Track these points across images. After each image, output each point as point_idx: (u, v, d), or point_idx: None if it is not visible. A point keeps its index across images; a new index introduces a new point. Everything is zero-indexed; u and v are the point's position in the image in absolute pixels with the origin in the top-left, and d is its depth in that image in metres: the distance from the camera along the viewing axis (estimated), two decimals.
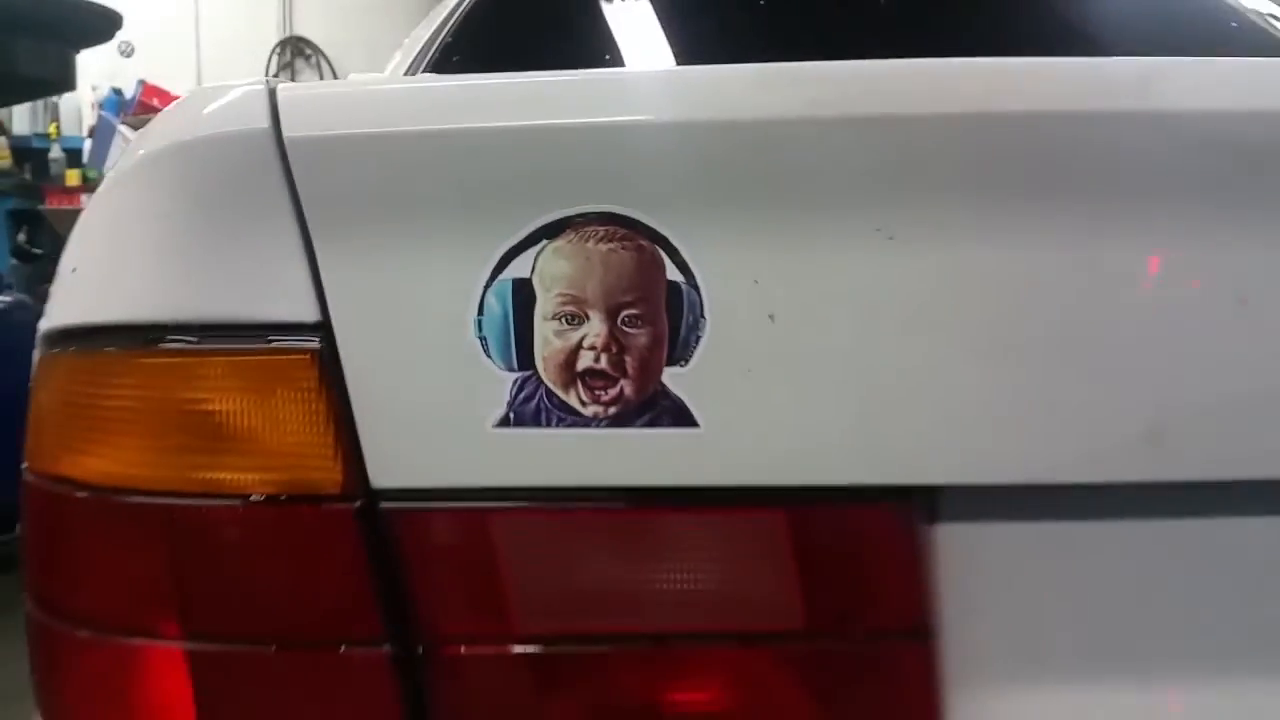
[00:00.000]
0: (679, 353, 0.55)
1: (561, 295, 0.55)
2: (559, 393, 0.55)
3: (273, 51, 7.15)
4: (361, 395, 0.55)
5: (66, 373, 0.59)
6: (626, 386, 0.55)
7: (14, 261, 5.05)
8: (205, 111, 0.58)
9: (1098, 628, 0.61)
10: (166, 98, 6.15)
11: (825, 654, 0.60)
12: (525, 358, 0.55)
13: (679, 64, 1.17)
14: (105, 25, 2.90)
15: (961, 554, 0.59)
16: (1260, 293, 0.56)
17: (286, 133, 0.55)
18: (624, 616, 0.58)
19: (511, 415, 0.55)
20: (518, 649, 0.58)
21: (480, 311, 0.55)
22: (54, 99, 5.71)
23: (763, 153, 0.56)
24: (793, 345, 0.55)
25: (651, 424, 0.55)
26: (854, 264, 0.56)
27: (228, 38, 6.96)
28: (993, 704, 0.60)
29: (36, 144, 5.90)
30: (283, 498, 0.56)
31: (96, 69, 5.71)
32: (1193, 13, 1.40)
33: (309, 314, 0.55)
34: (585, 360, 0.55)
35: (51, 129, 5.99)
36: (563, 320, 0.55)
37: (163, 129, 0.59)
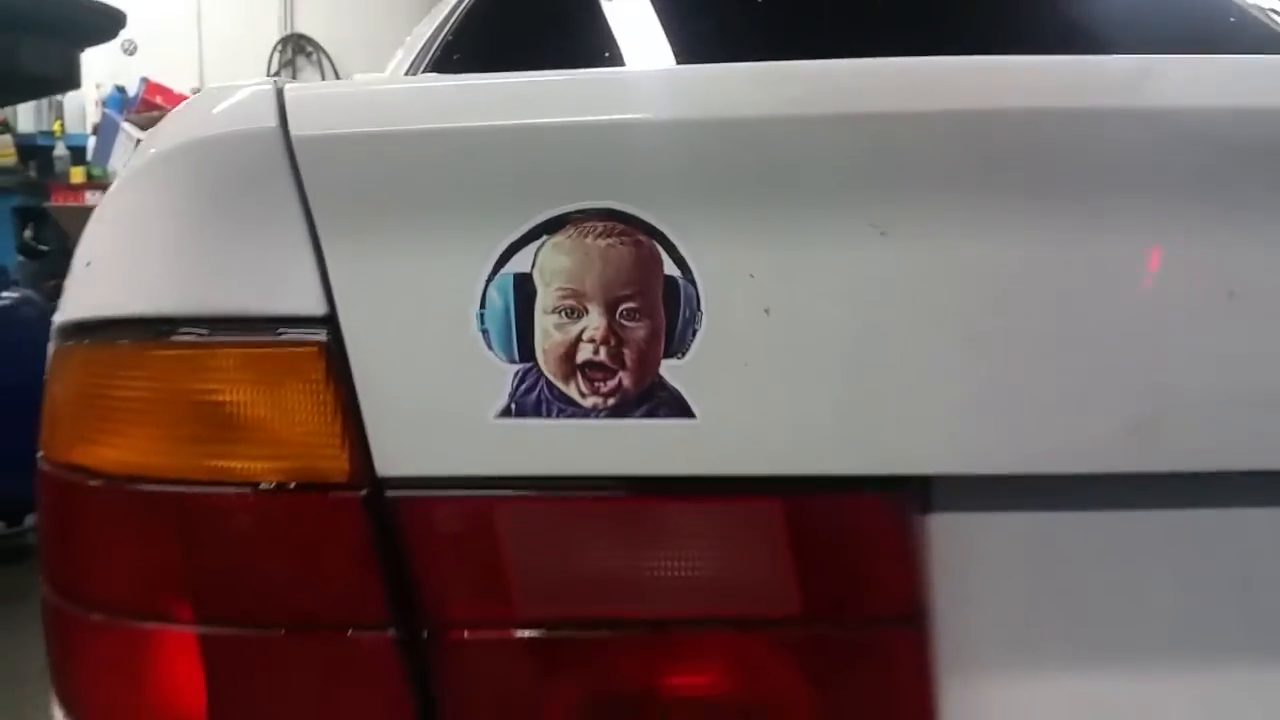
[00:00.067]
0: (676, 345, 0.56)
1: (561, 289, 0.55)
2: (559, 384, 0.56)
3: (274, 49, 7.14)
4: (367, 386, 0.56)
5: (81, 364, 0.60)
6: (625, 378, 0.56)
7: (20, 258, 5.04)
8: (215, 111, 0.59)
9: (1089, 616, 0.61)
10: (169, 95, 6.15)
11: (820, 640, 0.60)
12: (526, 350, 0.56)
13: (677, 62, 1.17)
14: (109, 24, 2.89)
15: (954, 543, 0.60)
16: (1249, 287, 0.56)
17: (294, 131, 0.55)
18: (623, 602, 0.59)
19: (513, 406, 0.56)
20: (520, 633, 0.58)
21: (482, 305, 0.55)
22: (58, 97, 5.70)
23: (758, 150, 0.56)
24: (788, 338, 0.56)
25: (649, 415, 0.56)
26: (848, 259, 0.56)
27: (230, 35, 6.96)
28: (985, 691, 0.60)
29: (41, 142, 5.89)
30: (291, 486, 0.57)
31: (100, 67, 5.71)
32: (1193, 9, 1.40)
33: (316, 308, 0.56)
34: (585, 353, 0.56)
35: (56, 127, 5.98)
36: (562, 314, 0.56)
37: (174, 128, 0.60)
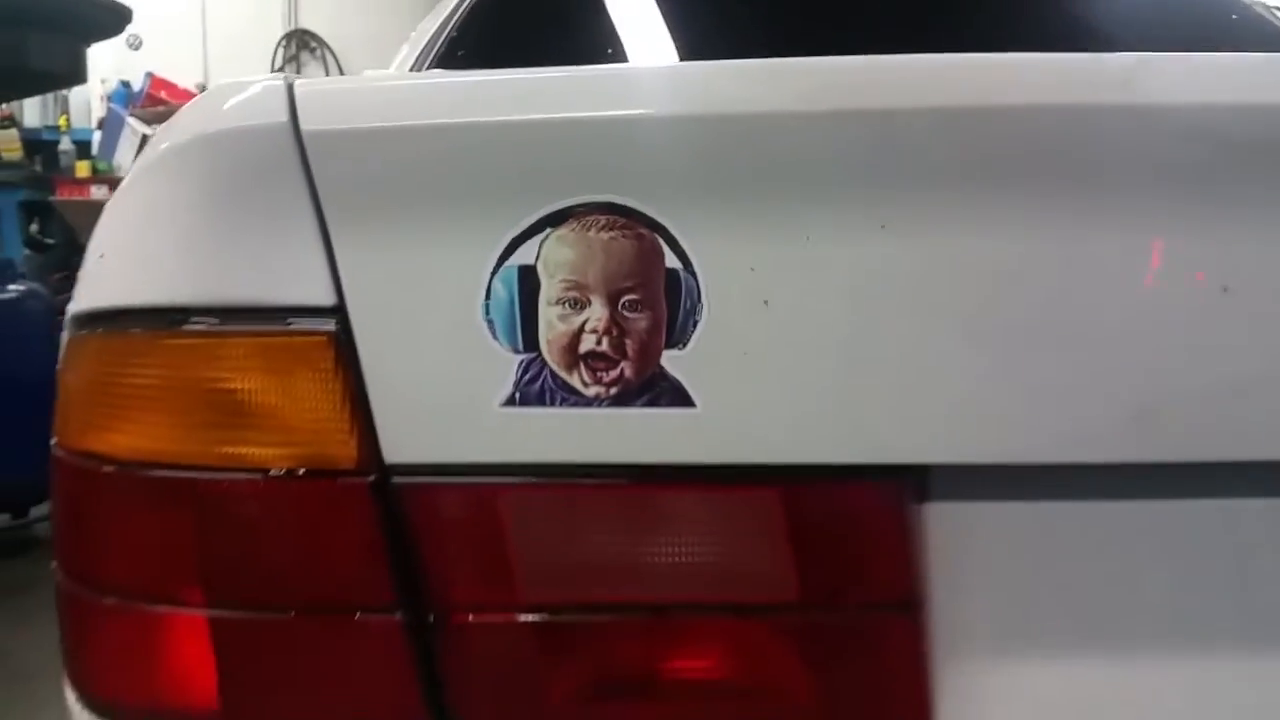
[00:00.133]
0: (677, 336, 0.56)
1: (564, 281, 0.56)
2: (562, 374, 0.56)
3: (278, 44, 7.14)
4: (375, 375, 0.57)
5: (94, 353, 0.61)
6: (627, 368, 0.57)
7: (27, 251, 5.05)
8: (226, 106, 0.59)
9: (1084, 605, 0.62)
10: (174, 90, 6.15)
11: (817, 626, 0.61)
12: (530, 340, 0.56)
13: (679, 58, 1.18)
14: (115, 19, 2.88)
15: (951, 531, 0.60)
16: (1243, 281, 0.57)
17: (304, 126, 0.56)
18: (624, 587, 0.59)
19: (517, 395, 0.57)
20: (523, 617, 0.59)
21: (487, 296, 0.56)
22: (64, 92, 5.70)
23: (758, 145, 0.57)
24: (787, 329, 0.57)
25: (651, 404, 0.57)
26: (847, 252, 0.57)
27: (234, 31, 6.96)
28: (980, 677, 0.61)
29: (47, 136, 5.89)
30: (300, 472, 0.57)
31: (105, 62, 5.72)
32: (1195, 6, 1.40)
33: (325, 298, 0.57)
34: (587, 343, 0.56)
35: (61, 121, 5.98)
36: (566, 305, 0.56)
37: (186, 122, 0.61)
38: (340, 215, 0.57)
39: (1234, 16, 1.37)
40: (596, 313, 0.56)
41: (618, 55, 1.19)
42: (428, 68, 1.19)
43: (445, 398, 0.57)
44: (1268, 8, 1.37)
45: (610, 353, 0.57)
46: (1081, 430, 0.58)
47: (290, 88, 0.58)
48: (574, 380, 0.57)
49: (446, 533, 0.59)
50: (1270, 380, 0.58)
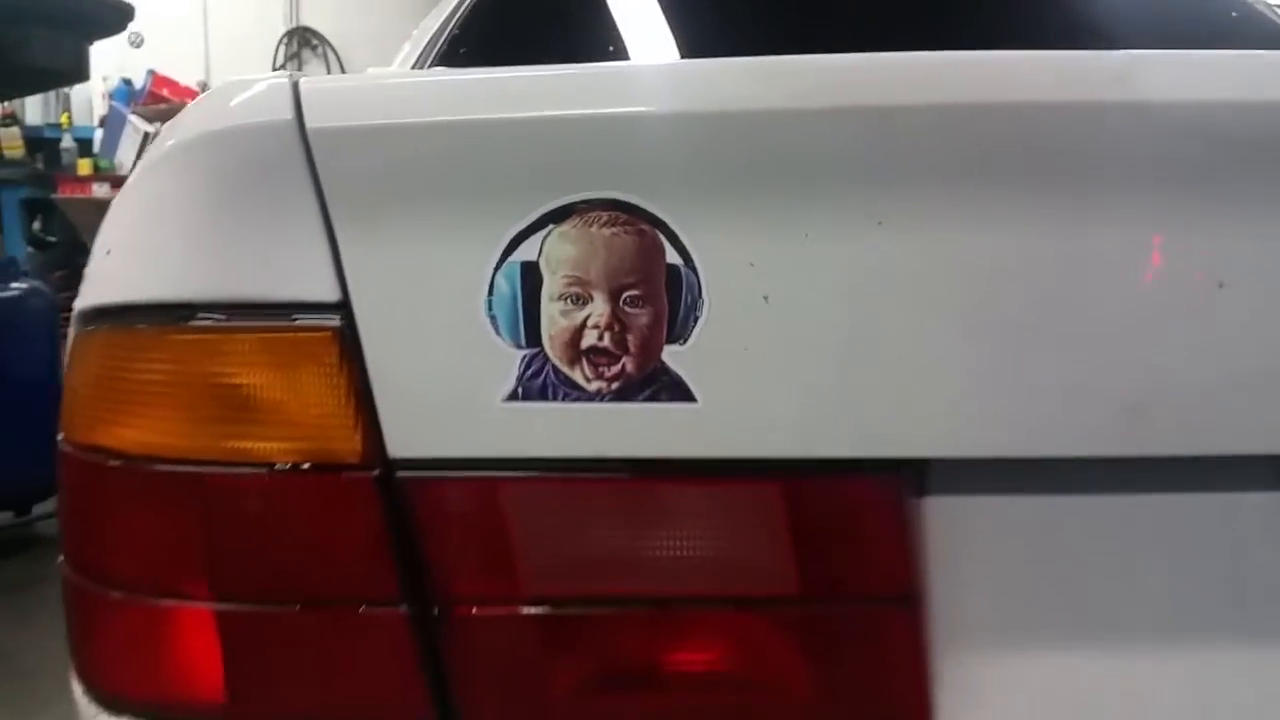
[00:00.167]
0: (678, 332, 0.57)
1: (566, 277, 0.57)
2: (564, 369, 0.57)
3: (280, 42, 7.13)
4: (380, 370, 0.57)
5: (101, 348, 0.61)
6: (628, 363, 0.57)
7: (29, 249, 5.05)
8: (232, 103, 0.60)
9: (1081, 598, 0.62)
10: (176, 88, 6.15)
11: (817, 619, 0.61)
12: (533, 336, 0.57)
13: (680, 54, 1.18)
14: (117, 17, 2.89)
15: (949, 525, 0.61)
16: (1237, 277, 0.57)
17: (309, 123, 0.57)
18: (626, 580, 0.60)
19: (520, 390, 0.57)
20: (526, 610, 0.60)
21: (490, 292, 0.57)
22: (65, 90, 5.70)
23: (757, 142, 0.57)
24: (787, 324, 0.57)
25: (652, 399, 0.57)
26: (846, 248, 0.57)
27: (236, 28, 6.95)
28: (979, 669, 0.61)
29: (48, 134, 5.88)
30: (306, 466, 0.58)
31: (107, 60, 5.71)
32: (1195, 3, 1.40)
33: (330, 294, 0.57)
34: (589, 338, 0.57)
35: (63, 119, 5.97)
36: (568, 301, 0.57)
37: (192, 120, 0.61)
38: (345, 212, 0.57)
39: (1234, 14, 1.37)
40: (598, 308, 0.57)
41: (618, 53, 1.19)
42: (430, 66, 1.19)
43: (449, 393, 0.58)
44: (1269, 5, 1.37)
45: (612, 348, 0.57)
46: (1079, 424, 0.58)
47: (295, 85, 0.58)
48: (576, 375, 0.57)
49: (450, 526, 0.59)
50: (1265, 375, 0.58)
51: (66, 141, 5.75)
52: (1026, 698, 0.62)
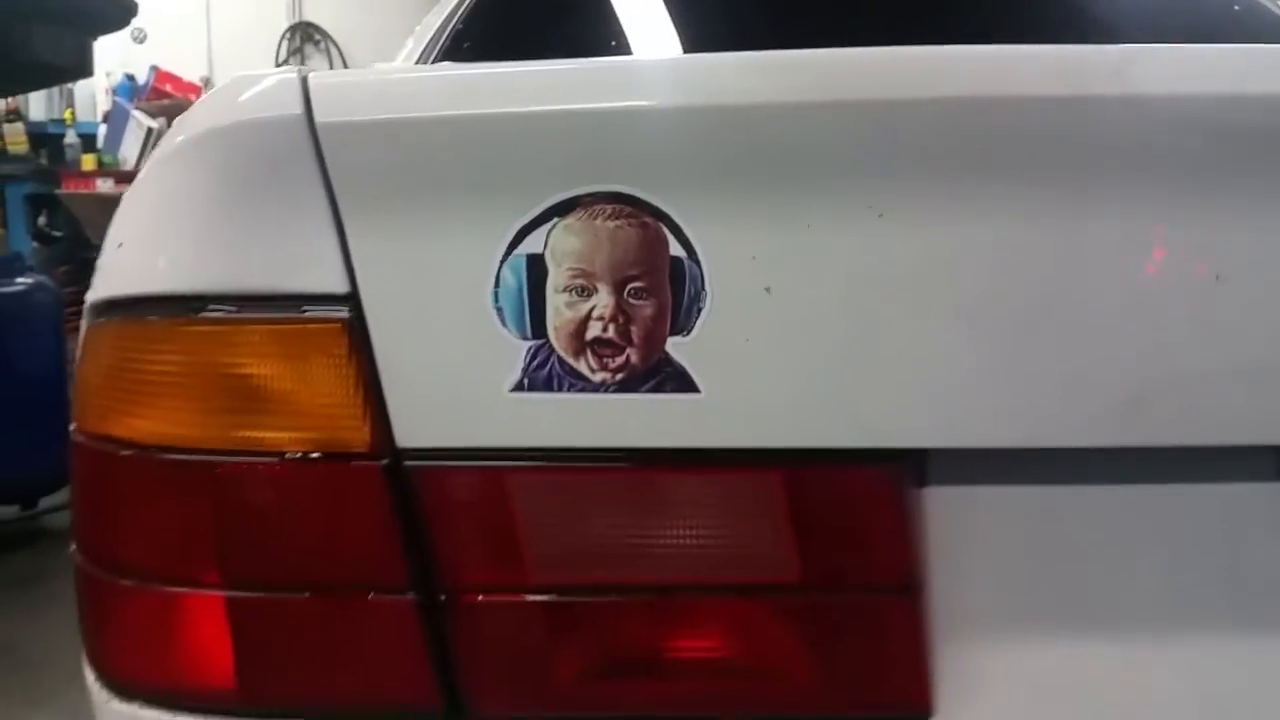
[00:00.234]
0: (681, 323, 0.57)
1: (571, 269, 0.57)
2: (569, 360, 0.58)
3: (282, 37, 7.12)
4: (388, 361, 0.58)
5: (113, 340, 0.62)
6: (632, 354, 0.58)
7: (34, 244, 5.05)
8: (242, 98, 0.60)
9: (1080, 587, 0.63)
10: (179, 83, 6.14)
11: (818, 607, 0.62)
12: (538, 327, 0.57)
13: (682, 48, 1.18)
14: (121, 12, 2.89)
15: (950, 515, 0.61)
16: (1234, 269, 0.57)
17: (318, 118, 0.57)
18: (630, 568, 0.60)
19: (526, 381, 0.58)
20: (531, 597, 0.60)
21: (497, 284, 0.57)
22: (69, 85, 5.69)
23: (760, 136, 0.58)
24: (788, 316, 0.58)
25: (656, 390, 0.58)
26: (846, 240, 0.58)
27: (238, 23, 6.94)
28: (978, 657, 0.62)
29: (52, 129, 5.88)
30: (315, 455, 0.59)
31: (110, 55, 5.70)
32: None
33: (339, 286, 0.58)
34: (594, 330, 0.57)
35: (67, 115, 5.96)
36: (573, 292, 0.57)
37: (202, 115, 0.62)
38: (353, 205, 0.58)
39: (1236, 7, 1.37)
40: (603, 300, 0.57)
41: (620, 47, 1.19)
42: (433, 60, 1.19)
43: (456, 383, 0.58)
44: None
45: (616, 339, 0.58)
46: (1077, 415, 0.58)
47: (304, 80, 0.59)
48: (581, 366, 0.58)
49: (457, 515, 0.60)
50: (1263, 366, 0.59)
51: (70, 137, 5.74)
52: (1026, 687, 0.63)
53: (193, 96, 6.11)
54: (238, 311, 0.59)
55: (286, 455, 0.59)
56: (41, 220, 5.25)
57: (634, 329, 0.58)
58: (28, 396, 2.94)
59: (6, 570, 2.87)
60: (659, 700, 0.62)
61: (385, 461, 0.59)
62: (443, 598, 0.60)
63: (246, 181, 0.59)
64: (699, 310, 0.58)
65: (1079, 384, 0.58)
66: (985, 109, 0.58)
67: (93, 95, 6.13)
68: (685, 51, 1.18)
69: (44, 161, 5.57)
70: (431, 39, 1.25)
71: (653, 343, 0.58)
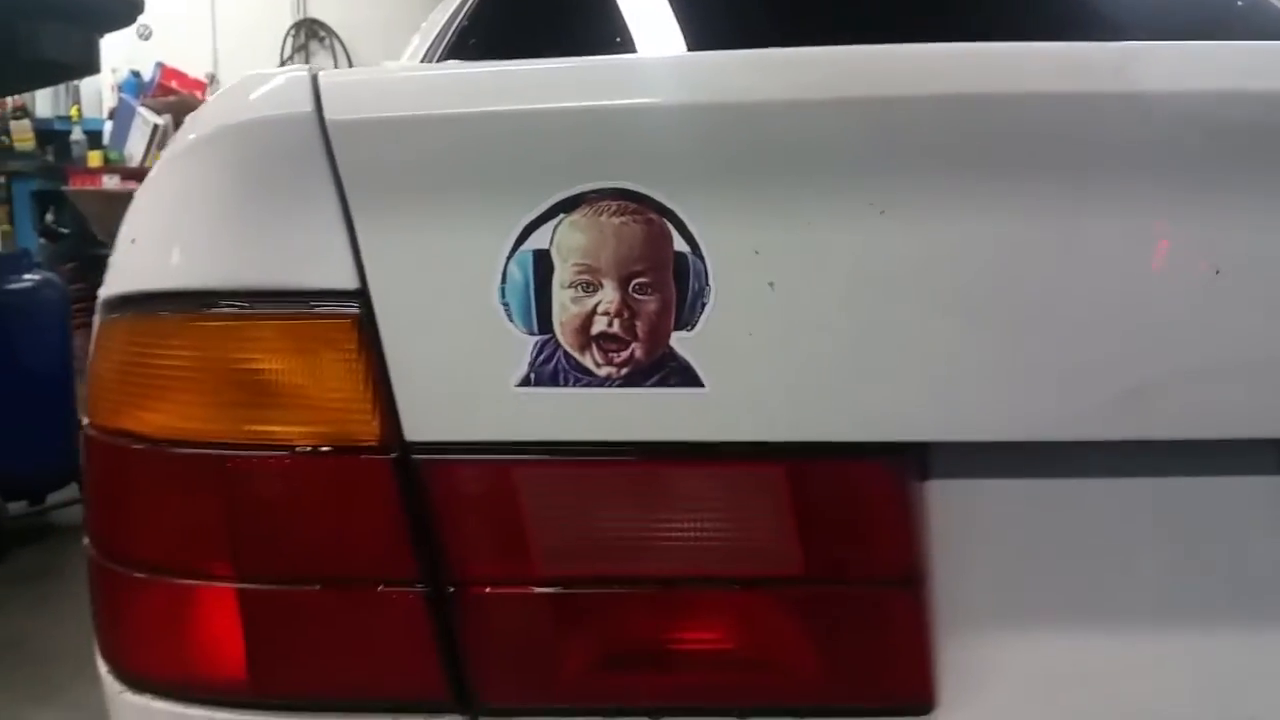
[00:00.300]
0: (685, 318, 0.58)
1: (577, 265, 0.58)
2: (575, 355, 0.58)
3: (287, 34, 7.12)
4: (397, 356, 0.59)
5: (126, 335, 0.63)
6: (637, 349, 0.58)
7: (41, 241, 5.07)
8: (253, 97, 0.61)
9: (1082, 579, 0.63)
10: (184, 79, 6.16)
11: (821, 599, 0.62)
12: (544, 322, 0.58)
13: (686, 45, 1.18)
14: (127, 9, 2.89)
15: (952, 507, 0.62)
16: (1233, 264, 0.58)
17: (328, 116, 0.58)
18: (635, 561, 0.61)
19: (532, 375, 0.58)
20: (538, 589, 0.61)
21: (503, 280, 0.58)
22: (75, 82, 5.70)
23: (763, 133, 0.58)
24: (791, 311, 0.58)
25: (660, 384, 0.58)
26: (848, 236, 0.58)
27: (243, 20, 6.94)
28: (980, 649, 0.63)
29: (58, 126, 5.89)
30: (325, 449, 0.59)
31: (116, 52, 5.71)
32: None
33: (349, 282, 0.58)
34: (599, 325, 0.58)
35: (73, 111, 5.98)
36: (578, 288, 0.58)
37: (214, 113, 0.62)
38: (363, 202, 0.58)
39: (1239, 3, 1.37)
40: (608, 295, 0.58)
41: (624, 44, 1.19)
42: (439, 57, 1.19)
43: (463, 378, 0.59)
44: None
45: (621, 334, 0.58)
46: (1079, 409, 0.59)
47: (314, 78, 0.59)
48: (586, 361, 0.58)
49: (465, 508, 0.61)
50: (1262, 360, 0.59)
51: (76, 134, 5.75)
52: (1028, 679, 0.63)
53: (198, 93, 6.13)
54: (249, 307, 0.59)
55: (297, 449, 0.59)
56: (48, 217, 5.26)
57: (639, 324, 0.58)
58: (35, 393, 2.95)
59: (14, 566, 2.88)
60: (664, 692, 0.63)
61: (394, 455, 0.59)
62: (451, 590, 0.61)
63: (258, 179, 0.59)
64: (703, 305, 0.58)
65: (1080, 378, 0.59)
66: (986, 106, 0.58)
67: (98, 92, 6.14)
68: (689, 49, 1.19)
69: (50, 158, 5.58)
70: (437, 36, 1.25)
71: (657, 337, 0.58)
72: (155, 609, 0.64)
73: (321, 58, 7.15)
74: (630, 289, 0.58)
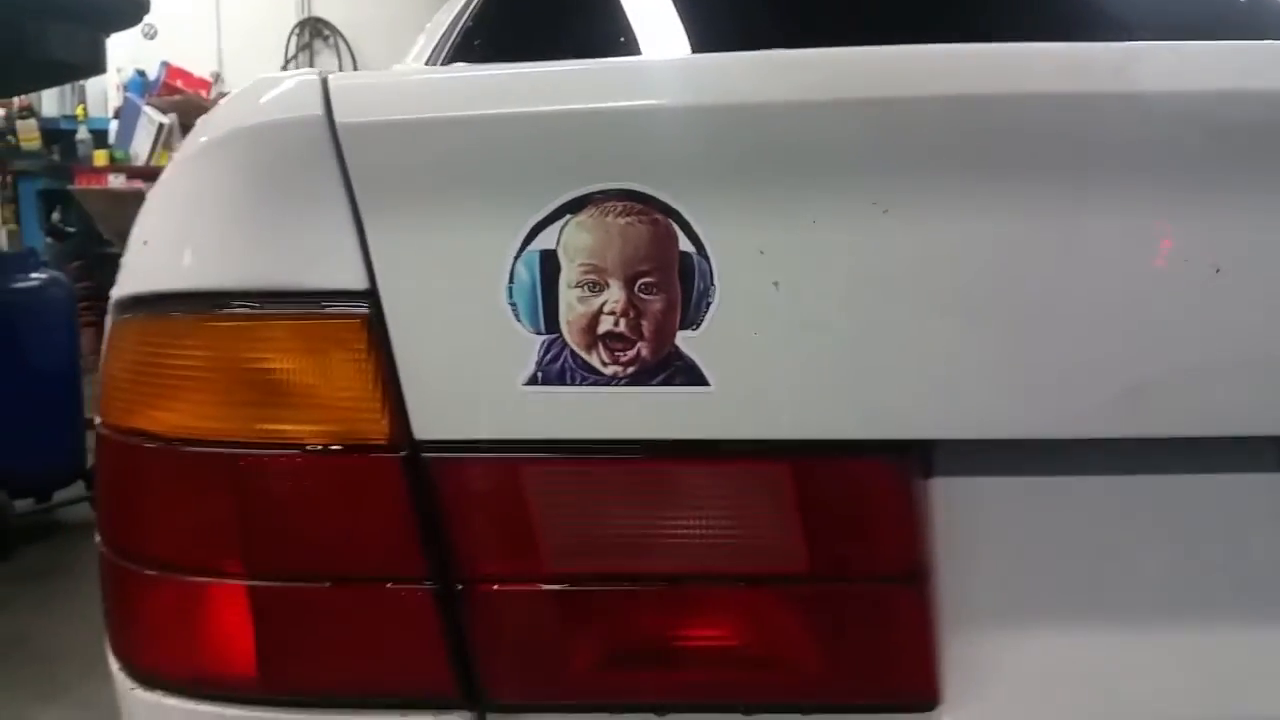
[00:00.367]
0: (691, 317, 0.58)
1: (583, 265, 0.58)
2: (582, 354, 0.59)
3: (291, 32, 7.14)
4: (406, 355, 0.59)
5: (139, 335, 0.63)
6: (643, 348, 0.59)
7: (48, 240, 5.08)
8: (264, 100, 0.62)
9: (1085, 576, 0.63)
10: (189, 79, 6.18)
11: (826, 596, 0.62)
12: (551, 322, 0.58)
13: (691, 46, 1.18)
14: (133, 9, 2.90)
15: (955, 505, 0.62)
16: (1233, 263, 0.58)
17: (338, 119, 0.58)
18: (641, 558, 0.61)
19: (539, 374, 0.59)
20: (545, 586, 0.61)
21: (511, 280, 0.58)
22: (81, 82, 5.72)
23: (767, 133, 0.59)
24: (796, 310, 0.58)
25: (666, 382, 0.59)
26: (851, 235, 0.58)
27: (248, 19, 6.96)
28: (985, 646, 0.63)
29: (64, 125, 5.92)
30: (335, 448, 0.60)
31: (121, 52, 5.72)
32: None
33: (359, 282, 0.59)
34: (605, 324, 0.58)
35: (78, 111, 6.00)
36: (585, 288, 0.58)
37: (226, 116, 0.63)
38: (372, 203, 0.59)
39: (1242, 0, 1.37)
40: (614, 295, 0.58)
41: (628, 45, 1.19)
42: (445, 58, 1.19)
43: (472, 377, 0.59)
44: None
45: (627, 333, 0.58)
46: (1081, 407, 0.59)
47: (325, 82, 0.60)
48: (593, 360, 0.59)
49: (473, 506, 0.61)
50: (1262, 358, 0.59)
51: (82, 133, 5.77)
52: (1031, 675, 0.63)
53: (203, 92, 6.14)
54: (260, 307, 0.60)
55: (307, 447, 0.60)
56: (54, 216, 5.27)
57: (645, 323, 0.58)
58: (41, 391, 2.96)
59: (20, 563, 2.89)
60: (670, 688, 0.63)
61: (403, 453, 0.60)
62: (459, 587, 0.61)
63: (269, 181, 0.60)
64: (708, 304, 0.58)
65: (1083, 376, 0.59)
66: (988, 107, 0.59)
67: (104, 91, 6.16)
68: (692, 50, 1.19)
69: (56, 157, 5.61)
70: (443, 36, 1.25)
71: (663, 337, 0.59)
72: (167, 606, 0.64)
73: (326, 56, 7.16)
74: (636, 289, 0.58)
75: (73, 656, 2.22)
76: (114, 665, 0.67)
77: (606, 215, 0.58)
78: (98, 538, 0.67)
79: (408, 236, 0.59)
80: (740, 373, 0.59)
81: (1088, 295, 0.59)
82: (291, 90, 0.61)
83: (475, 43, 1.22)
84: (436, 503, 0.60)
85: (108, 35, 2.88)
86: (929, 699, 0.63)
